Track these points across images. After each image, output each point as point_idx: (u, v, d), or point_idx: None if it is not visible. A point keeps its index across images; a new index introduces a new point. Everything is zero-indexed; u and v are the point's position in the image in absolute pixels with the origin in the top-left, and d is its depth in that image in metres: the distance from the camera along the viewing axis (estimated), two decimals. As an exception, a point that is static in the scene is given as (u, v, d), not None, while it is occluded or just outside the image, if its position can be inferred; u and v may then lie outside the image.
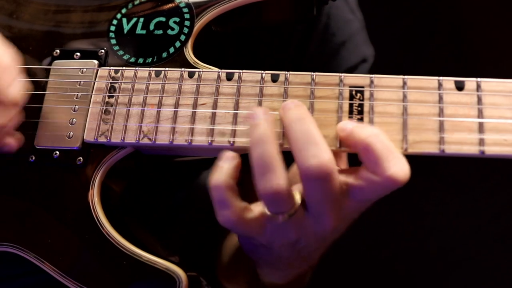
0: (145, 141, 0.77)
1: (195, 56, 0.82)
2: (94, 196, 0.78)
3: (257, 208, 0.70)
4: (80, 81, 0.83)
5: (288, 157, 0.69)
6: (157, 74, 0.80)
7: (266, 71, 0.76)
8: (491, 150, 0.68)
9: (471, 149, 0.69)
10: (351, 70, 1.06)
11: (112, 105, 0.80)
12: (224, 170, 0.68)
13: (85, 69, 0.83)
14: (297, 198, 0.68)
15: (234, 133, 0.74)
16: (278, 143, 0.68)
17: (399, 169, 0.65)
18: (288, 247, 0.73)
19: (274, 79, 0.76)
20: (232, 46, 0.94)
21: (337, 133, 0.71)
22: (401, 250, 1.74)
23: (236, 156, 0.69)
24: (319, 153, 0.64)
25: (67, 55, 0.86)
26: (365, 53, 1.10)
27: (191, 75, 0.79)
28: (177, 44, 0.83)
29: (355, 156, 0.70)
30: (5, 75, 0.75)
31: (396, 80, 0.73)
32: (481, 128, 0.69)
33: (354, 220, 0.75)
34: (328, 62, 1.06)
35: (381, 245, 1.73)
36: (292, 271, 0.82)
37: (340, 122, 0.71)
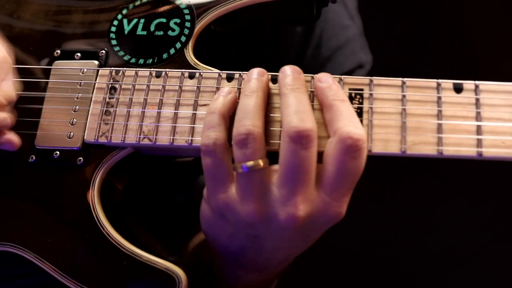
0: (146, 141, 0.77)
1: (196, 57, 0.82)
2: (95, 196, 0.79)
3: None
4: (80, 82, 0.83)
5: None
6: (158, 74, 0.80)
7: (267, 73, 0.76)
8: (489, 152, 0.69)
9: (469, 151, 0.69)
10: (346, 75, 1.06)
11: (112, 106, 0.80)
12: (220, 99, 0.73)
13: (85, 70, 0.84)
14: (266, 160, 0.70)
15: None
16: (263, 102, 0.72)
17: (355, 128, 0.68)
18: (245, 225, 0.72)
19: (274, 79, 0.76)
20: (232, 48, 0.94)
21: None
22: (401, 250, 1.75)
23: (232, 91, 0.74)
24: (307, 118, 0.68)
25: (68, 55, 0.86)
26: (361, 59, 1.10)
27: (191, 76, 0.79)
28: (178, 45, 0.83)
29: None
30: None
31: (395, 81, 0.73)
32: (479, 130, 0.70)
33: (314, 240, 0.75)
34: (324, 65, 1.07)
35: (381, 245, 1.74)
36: (249, 274, 0.82)
37: (322, 75, 0.74)
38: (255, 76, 0.74)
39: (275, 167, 0.70)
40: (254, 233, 0.73)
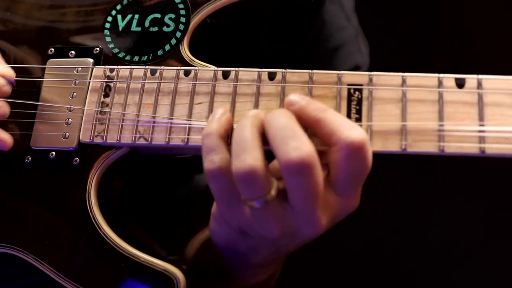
0: (141, 141, 0.76)
1: (192, 53, 0.81)
2: (91, 197, 0.78)
3: None
4: (75, 80, 0.82)
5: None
6: (153, 72, 0.79)
7: (263, 69, 0.75)
8: (492, 148, 0.67)
9: (471, 148, 0.68)
10: None
11: (107, 105, 0.79)
12: (215, 120, 0.69)
13: (80, 68, 0.82)
14: (275, 185, 0.66)
15: (231, 133, 0.73)
16: (259, 130, 0.67)
17: (354, 132, 0.64)
18: (270, 246, 0.72)
19: (271, 77, 0.74)
20: (228, 43, 0.93)
21: None
22: (400, 246, 1.74)
23: (227, 112, 0.71)
24: (300, 146, 0.63)
25: (62, 53, 0.85)
26: (357, 61, 1.08)
27: (187, 73, 0.77)
28: (173, 41, 0.81)
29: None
30: None
31: (395, 78, 0.71)
32: (481, 126, 0.68)
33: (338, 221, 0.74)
34: (318, 67, 1.04)
35: (380, 242, 1.73)
36: (257, 269, 0.82)
37: (287, 97, 0.69)
38: (251, 114, 0.68)
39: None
40: (279, 244, 0.73)
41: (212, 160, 0.66)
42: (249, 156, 0.64)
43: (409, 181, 1.68)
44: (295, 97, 0.69)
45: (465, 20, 1.72)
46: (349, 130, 0.65)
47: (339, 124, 0.66)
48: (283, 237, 0.70)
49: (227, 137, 0.69)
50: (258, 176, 0.63)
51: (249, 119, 0.67)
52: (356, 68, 1.07)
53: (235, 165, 0.64)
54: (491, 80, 0.69)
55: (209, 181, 0.68)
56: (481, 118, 0.68)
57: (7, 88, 0.82)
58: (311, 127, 0.68)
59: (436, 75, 0.71)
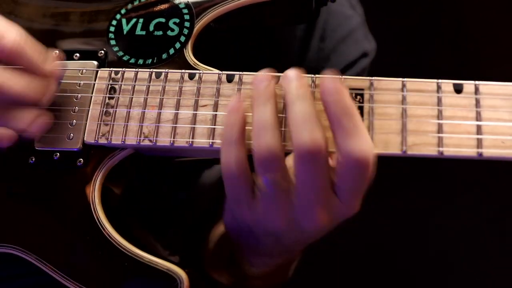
0: (146, 142, 0.77)
1: (196, 57, 0.82)
2: (95, 198, 0.79)
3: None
4: (80, 82, 0.83)
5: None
6: (158, 75, 0.80)
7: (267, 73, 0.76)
8: (489, 152, 0.69)
9: (469, 151, 0.70)
10: (352, 65, 1.08)
11: (112, 107, 0.80)
12: (238, 115, 0.70)
13: (84, 70, 0.83)
14: (290, 169, 0.69)
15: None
16: (276, 108, 0.70)
17: (358, 147, 0.67)
18: (270, 235, 0.74)
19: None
20: (233, 46, 0.94)
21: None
22: (400, 250, 1.75)
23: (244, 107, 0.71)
24: (315, 132, 0.67)
25: (67, 55, 0.85)
26: (365, 47, 1.11)
27: (191, 76, 0.79)
28: (177, 45, 0.83)
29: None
30: (37, 47, 0.77)
31: (395, 82, 0.73)
32: (479, 130, 0.70)
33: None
34: (329, 57, 1.07)
35: (380, 245, 1.74)
36: (273, 260, 0.84)
37: (326, 82, 0.70)
38: (265, 83, 0.71)
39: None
40: (279, 237, 0.75)
41: (231, 153, 0.70)
42: (269, 138, 0.68)
43: (409, 184, 1.70)
44: (332, 85, 0.69)
45: (467, 13, 1.74)
46: (354, 144, 0.67)
47: (349, 133, 0.67)
48: (286, 232, 0.72)
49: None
50: (275, 158, 0.68)
51: (270, 100, 0.70)
52: (364, 54, 1.09)
53: (257, 146, 0.68)
54: (488, 86, 0.72)
55: (224, 176, 0.71)
56: (478, 122, 0.70)
57: (54, 84, 0.80)
58: (329, 120, 0.69)
59: (435, 80, 0.73)
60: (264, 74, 0.73)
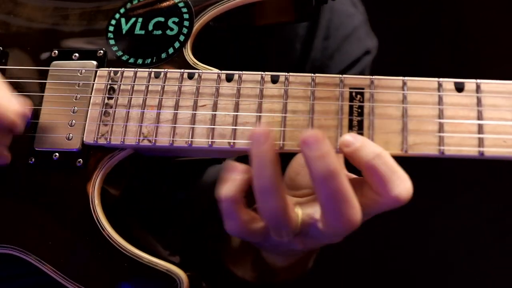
0: (145, 143, 0.77)
1: (195, 57, 0.82)
2: (95, 198, 0.78)
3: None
4: (79, 82, 0.83)
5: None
6: (157, 75, 0.79)
7: (266, 72, 0.76)
8: (490, 151, 0.69)
9: (471, 151, 0.69)
10: (355, 63, 1.08)
11: (111, 107, 0.80)
12: (234, 183, 0.67)
13: (83, 70, 0.83)
14: (300, 217, 0.69)
15: (234, 135, 0.74)
16: (278, 168, 0.66)
17: (403, 190, 0.66)
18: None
19: (274, 80, 0.76)
20: (233, 45, 0.94)
21: (337, 135, 0.71)
22: (400, 249, 1.75)
23: (247, 170, 0.67)
24: (352, 216, 0.65)
25: (66, 55, 0.85)
26: (368, 45, 1.11)
27: (191, 76, 0.78)
28: (176, 44, 0.82)
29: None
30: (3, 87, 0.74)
31: (396, 81, 0.73)
32: (480, 129, 0.69)
33: None
34: (333, 56, 1.07)
35: (380, 245, 1.74)
36: (294, 256, 0.84)
37: (343, 137, 0.69)
38: (261, 142, 0.65)
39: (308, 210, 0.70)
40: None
41: (231, 225, 0.70)
42: (273, 203, 0.66)
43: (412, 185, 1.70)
44: (350, 138, 0.68)
45: (467, 13, 1.74)
46: (399, 188, 0.66)
47: (390, 178, 0.66)
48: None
49: (245, 192, 0.69)
50: (284, 220, 0.67)
51: (268, 156, 0.65)
52: (367, 52, 1.09)
53: (261, 212, 0.67)
54: (489, 84, 0.71)
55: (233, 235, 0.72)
56: (480, 121, 0.69)
57: (22, 127, 0.77)
58: (362, 170, 0.68)
59: (436, 79, 0.72)
60: (261, 132, 0.65)
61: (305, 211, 0.70)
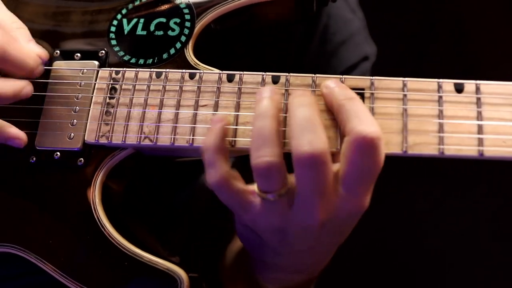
0: (146, 142, 0.77)
1: (196, 57, 0.82)
2: (95, 197, 0.79)
3: (248, 186, 0.71)
4: (80, 82, 0.83)
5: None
6: (158, 75, 0.80)
7: (267, 73, 0.76)
8: (490, 151, 0.69)
9: (470, 151, 0.70)
10: (352, 68, 1.08)
11: (113, 106, 0.80)
12: (214, 132, 0.70)
13: (85, 70, 0.83)
14: (291, 181, 0.68)
15: (235, 134, 0.75)
16: (279, 121, 0.69)
17: (367, 127, 0.66)
18: (273, 234, 0.73)
19: (275, 80, 0.76)
20: (233, 47, 0.94)
21: (337, 135, 0.71)
22: (400, 249, 1.75)
23: (224, 118, 0.71)
24: (315, 141, 0.65)
25: (68, 55, 0.86)
26: (366, 51, 1.11)
27: (192, 76, 0.79)
28: (178, 45, 0.83)
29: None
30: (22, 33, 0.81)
31: (396, 82, 0.73)
32: (480, 130, 0.70)
33: (350, 230, 0.75)
34: (329, 61, 1.07)
35: (380, 245, 1.74)
36: (289, 276, 0.83)
37: (326, 81, 0.72)
38: (267, 95, 0.70)
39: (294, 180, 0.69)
40: (281, 238, 0.74)
41: (211, 174, 0.69)
42: (268, 151, 0.66)
43: (409, 184, 1.70)
44: (331, 83, 0.72)
45: (466, 17, 1.75)
46: (363, 124, 0.66)
47: (357, 116, 0.67)
48: (283, 230, 0.71)
49: (226, 144, 0.71)
50: (275, 170, 0.66)
51: (270, 110, 0.69)
52: (365, 58, 1.09)
53: (254, 159, 0.67)
54: (489, 85, 0.71)
55: (215, 191, 0.71)
56: (479, 121, 0.70)
57: (42, 68, 0.82)
58: (333, 110, 0.70)
59: (436, 80, 0.73)
60: (270, 88, 0.71)
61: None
